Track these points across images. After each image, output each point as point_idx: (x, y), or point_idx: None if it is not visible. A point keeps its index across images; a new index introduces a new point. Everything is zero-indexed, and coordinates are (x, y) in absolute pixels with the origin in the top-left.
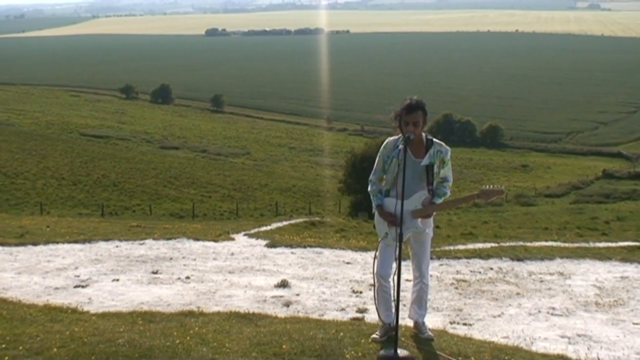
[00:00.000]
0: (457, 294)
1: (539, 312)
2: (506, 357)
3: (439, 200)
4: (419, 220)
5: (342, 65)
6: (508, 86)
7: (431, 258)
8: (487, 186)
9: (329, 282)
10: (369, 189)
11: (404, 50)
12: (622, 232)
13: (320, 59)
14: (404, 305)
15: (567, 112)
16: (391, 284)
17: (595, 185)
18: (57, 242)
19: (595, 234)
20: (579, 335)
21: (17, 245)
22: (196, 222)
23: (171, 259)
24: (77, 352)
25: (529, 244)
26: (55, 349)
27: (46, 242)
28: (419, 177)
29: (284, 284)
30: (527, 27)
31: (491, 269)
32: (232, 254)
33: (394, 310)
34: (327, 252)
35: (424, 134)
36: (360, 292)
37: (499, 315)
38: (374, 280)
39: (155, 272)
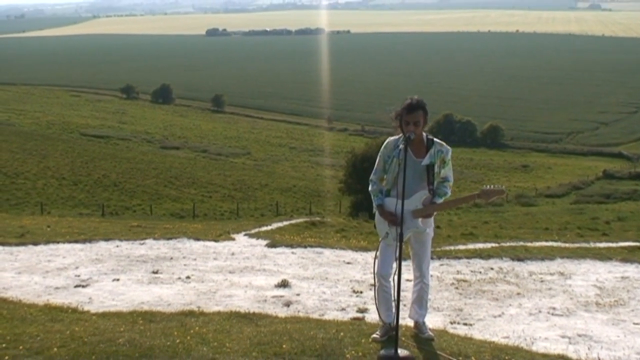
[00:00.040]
0: (458, 294)
1: (540, 312)
2: (506, 357)
3: (440, 200)
4: (420, 220)
5: (342, 66)
6: (509, 86)
7: (432, 258)
8: (488, 186)
9: (330, 282)
10: (369, 188)
11: (405, 50)
12: (623, 232)
13: (321, 59)
14: (405, 305)
15: (568, 112)
16: (392, 283)
17: (595, 185)
18: (58, 242)
19: (596, 234)
20: (579, 335)
21: (17, 245)
22: (197, 222)
23: (172, 258)
24: (78, 352)
25: (529, 244)
26: (55, 349)
27: (47, 242)
28: (419, 176)
29: (284, 284)
30: (528, 27)
31: (492, 269)
32: (233, 253)
33: (394, 310)
34: (327, 252)
35: (424, 134)
36: (361, 292)
37: (500, 315)
38: (375, 280)
39: (156, 272)
